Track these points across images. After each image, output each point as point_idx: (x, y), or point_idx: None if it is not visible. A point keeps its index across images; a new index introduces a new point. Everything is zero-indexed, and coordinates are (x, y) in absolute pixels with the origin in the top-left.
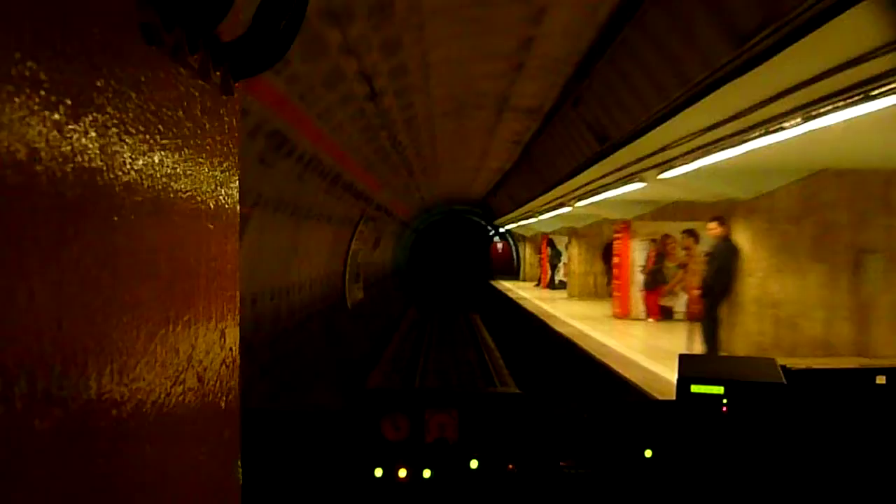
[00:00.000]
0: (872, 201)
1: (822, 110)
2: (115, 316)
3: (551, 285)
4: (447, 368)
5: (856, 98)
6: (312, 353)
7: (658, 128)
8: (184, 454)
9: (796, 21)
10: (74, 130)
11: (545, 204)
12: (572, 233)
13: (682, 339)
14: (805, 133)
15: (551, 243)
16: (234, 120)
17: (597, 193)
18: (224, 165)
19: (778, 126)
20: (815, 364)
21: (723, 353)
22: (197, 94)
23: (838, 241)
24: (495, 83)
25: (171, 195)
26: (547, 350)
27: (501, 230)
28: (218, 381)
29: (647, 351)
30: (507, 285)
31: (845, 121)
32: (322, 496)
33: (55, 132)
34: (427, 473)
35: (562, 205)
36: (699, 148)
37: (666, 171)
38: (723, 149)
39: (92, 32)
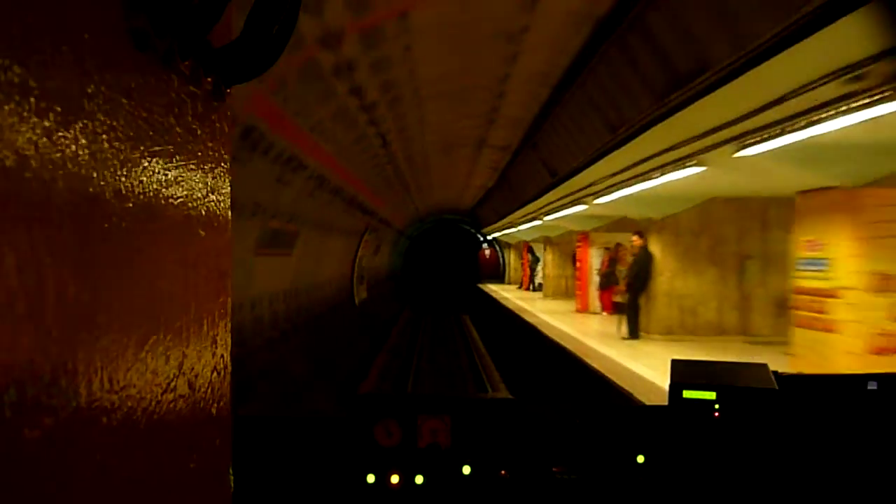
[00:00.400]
0: (752, 220)
1: (707, 154)
2: (106, 323)
3: (531, 287)
4: (440, 366)
5: (732, 147)
6: (334, 337)
7: (591, 167)
8: (175, 462)
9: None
10: (64, 137)
11: (522, 217)
12: (547, 241)
13: (615, 326)
14: (699, 172)
15: (531, 250)
16: (226, 126)
17: (556, 211)
18: (216, 171)
19: (681, 165)
20: (807, 370)
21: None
22: (188, 100)
23: (727, 250)
24: (474, 131)
25: (163, 201)
26: (519, 335)
27: (489, 238)
28: (209, 388)
29: (584, 332)
30: (493, 287)
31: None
32: (314, 502)
33: (45, 138)
34: (419, 479)
35: (534, 218)
36: (622, 181)
37: (599, 197)
38: (639, 182)
39: (82, 38)
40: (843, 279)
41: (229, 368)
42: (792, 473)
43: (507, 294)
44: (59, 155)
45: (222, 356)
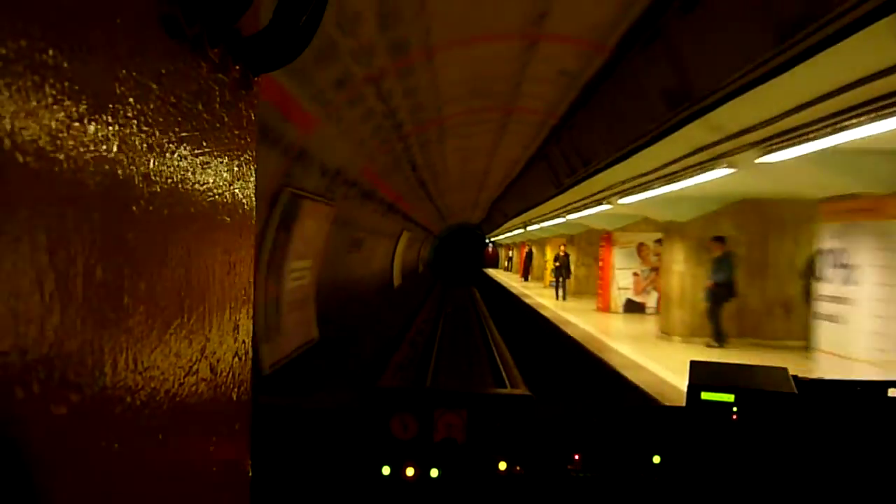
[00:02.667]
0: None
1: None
2: (131, 305)
3: (527, 278)
4: (458, 310)
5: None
6: (413, 287)
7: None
8: (195, 444)
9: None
10: (95, 120)
11: (531, 218)
12: (539, 242)
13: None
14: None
15: (530, 251)
16: (252, 114)
17: (550, 219)
18: (241, 158)
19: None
20: (827, 375)
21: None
22: (216, 87)
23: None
24: (483, 161)
25: (189, 187)
26: (501, 294)
27: (490, 240)
28: (230, 373)
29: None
30: (490, 271)
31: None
32: (329, 492)
33: (77, 122)
34: (435, 473)
35: (526, 224)
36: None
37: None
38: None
39: (115, 24)
40: None
41: (250, 354)
42: (809, 478)
43: (498, 274)
44: (90, 138)
45: (244, 342)
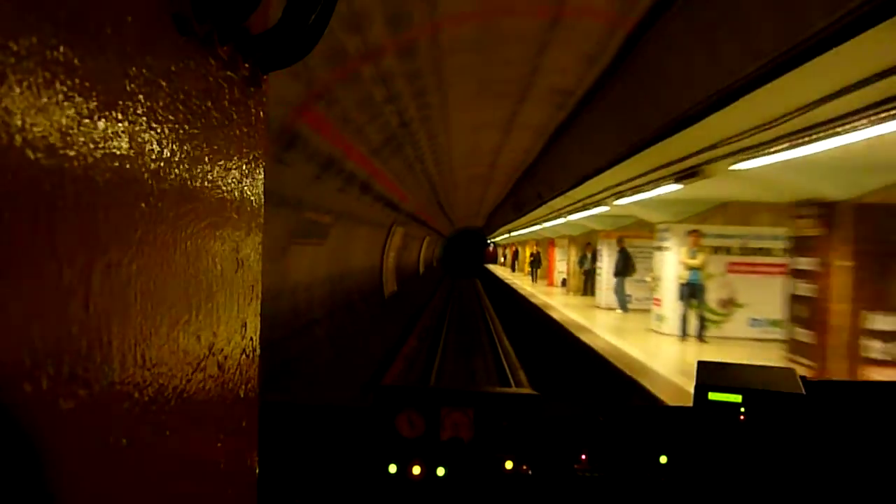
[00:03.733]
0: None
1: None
2: (140, 301)
3: (513, 269)
4: (464, 297)
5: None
6: (427, 278)
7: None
8: (202, 440)
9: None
10: (106, 116)
11: (516, 225)
12: (521, 243)
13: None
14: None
15: (516, 251)
16: (262, 112)
17: (539, 223)
18: (250, 156)
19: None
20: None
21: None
22: (225, 85)
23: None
24: (482, 178)
25: (198, 184)
26: (497, 283)
27: (491, 241)
28: (238, 371)
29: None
30: (490, 266)
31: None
32: (336, 490)
33: (87, 118)
34: (441, 471)
35: (544, 221)
36: (602, 198)
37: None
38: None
39: (126, 21)
40: None
41: (258, 352)
42: (816, 479)
43: (497, 270)
44: (99, 135)
45: (251, 339)
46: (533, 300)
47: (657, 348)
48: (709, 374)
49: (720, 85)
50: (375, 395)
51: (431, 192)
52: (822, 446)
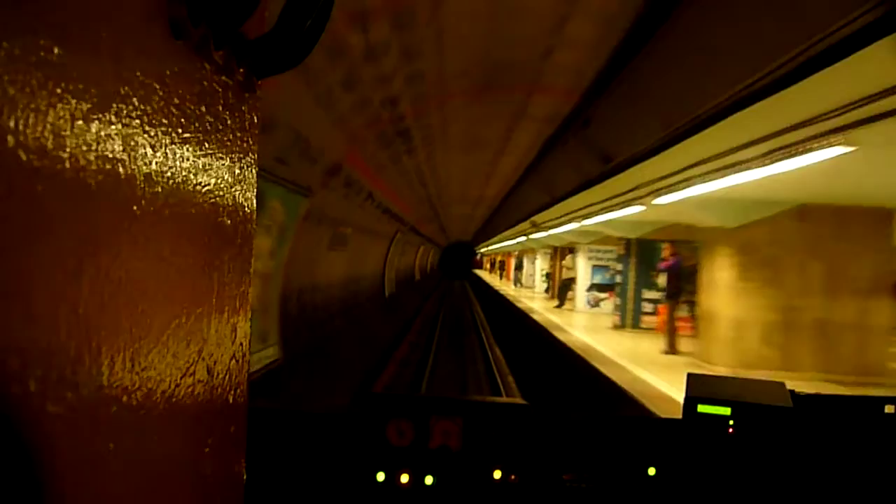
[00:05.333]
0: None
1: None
2: (130, 305)
3: (512, 282)
4: (454, 295)
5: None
6: (427, 283)
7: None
8: (190, 445)
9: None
10: (99, 119)
11: (500, 239)
12: (502, 252)
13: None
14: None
15: (507, 261)
16: (255, 117)
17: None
18: (243, 161)
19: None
20: (824, 390)
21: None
22: (220, 89)
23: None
24: (475, 193)
25: (190, 188)
26: (484, 287)
27: (479, 252)
28: (227, 376)
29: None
30: (478, 272)
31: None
32: (323, 498)
33: (80, 120)
34: (429, 480)
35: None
36: (577, 215)
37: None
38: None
39: (121, 24)
40: None
41: (248, 357)
42: (805, 494)
43: (481, 274)
44: (92, 137)
45: (241, 344)
46: (496, 287)
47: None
48: (698, 387)
49: (655, 136)
50: (365, 402)
51: (434, 215)
52: (810, 460)
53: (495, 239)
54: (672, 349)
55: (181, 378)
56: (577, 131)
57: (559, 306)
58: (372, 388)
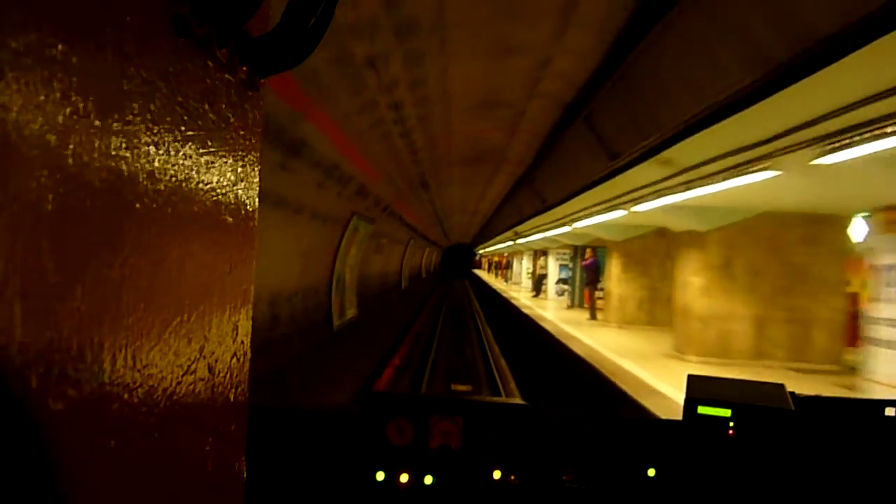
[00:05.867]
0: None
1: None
2: (132, 302)
3: (504, 279)
4: (455, 293)
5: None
6: (426, 283)
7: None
8: (190, 443)
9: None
10: (102, 116)
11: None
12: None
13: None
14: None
15: (501, 261)
16: (258, 115)
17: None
18: (246, 159)
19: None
20: (825, 392)
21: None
22: (223, 87)
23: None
24: (472, 206)
25: (193, 186)
26: (483, 285)
27: (478, 253)
28: (228, 374)
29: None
30: (477, 272)
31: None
32: (322, 496)
33: (84, 117)
34: (429, 480)
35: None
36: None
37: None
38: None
39: (125, 21)
40: None
41: (248, 356)
42: (804, 496)
43: (480, 273)
44: (95, 134)
45: (242, 342)
46: (490, 284)
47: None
48: (698, 388)
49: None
50: (365, 401)
51: (437, 220)
52: (810, 462)
53: (491, 242)
54: (592, 317)
55: (182, 376)
56: (525, 186)
57: (535, 296)
58: (400, 344)
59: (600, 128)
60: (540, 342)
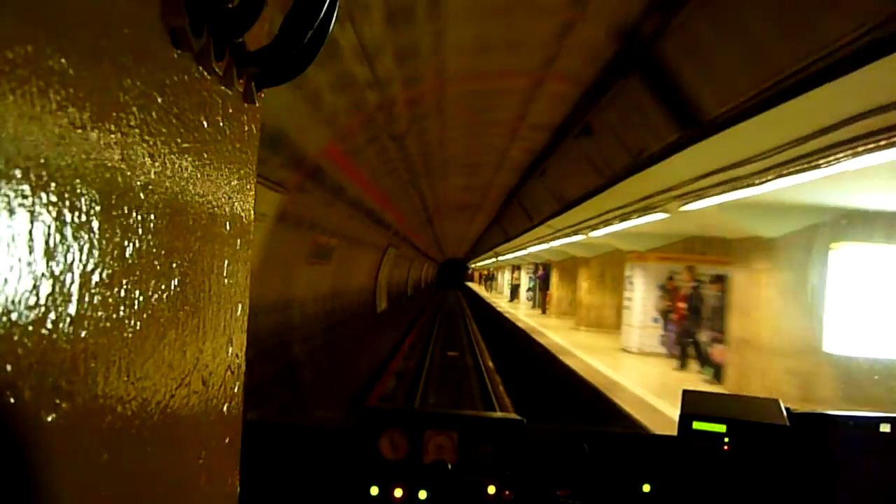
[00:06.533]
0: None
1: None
2: (127, 314)
3: (488, 289)
4: (449, 303)
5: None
6: (423, 294)
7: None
8: (184, 457)
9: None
10: (99, 127)
11: (484, 257)
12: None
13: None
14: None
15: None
16: (255, 128)
17: (501, 255)
18: (241, 172)
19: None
20: (820, 408)
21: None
22: (219, 100)
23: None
24: (467, 212)
25: (188, 198)
26: (474, 295)
27: (470, 267)
28: (223, 387)
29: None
30: (469, 284)
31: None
32: None
33: (80, 129)
34: (423, 495)
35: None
36: (554, 237)
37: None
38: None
39: (122, 32)
40: None
41: (243, 369)
42: None
43: (473, 286)
44: (92, 145)
45: (237, 356)
46: (479, 293)
47: (501, 301)
48: (693, 404)
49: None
50: (359, 415)
51: (434, 240)
52: (805, 477)
53: (482, 257)
54: (543, 311)
55: (176, 389)
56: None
57: (511, 301)
58: (413, 327)
59: (527, 202)
60: (504, 325)
